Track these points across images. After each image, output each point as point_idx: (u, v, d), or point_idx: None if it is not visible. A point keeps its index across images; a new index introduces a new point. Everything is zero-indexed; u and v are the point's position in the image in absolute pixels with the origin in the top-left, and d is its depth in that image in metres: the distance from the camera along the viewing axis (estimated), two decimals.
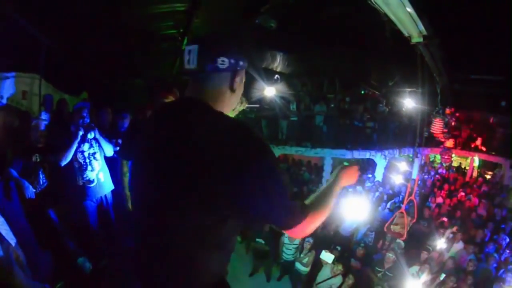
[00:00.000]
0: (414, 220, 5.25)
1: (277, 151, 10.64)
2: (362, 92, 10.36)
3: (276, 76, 9.59)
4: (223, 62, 1.12)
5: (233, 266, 6.86)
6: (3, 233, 2.75)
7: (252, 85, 10.20)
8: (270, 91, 9.63)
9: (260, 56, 8.43)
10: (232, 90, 1.20)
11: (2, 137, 3.82)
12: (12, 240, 2.83)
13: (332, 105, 9.83)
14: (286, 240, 6.83)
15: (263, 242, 7.04)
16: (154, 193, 1.10)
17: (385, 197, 8.86)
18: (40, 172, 4.02)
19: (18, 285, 2.67)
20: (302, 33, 7.55)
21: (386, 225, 5.44)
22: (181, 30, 6.97)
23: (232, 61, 1.14)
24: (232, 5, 6.02)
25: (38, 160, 4.06)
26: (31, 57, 4.69)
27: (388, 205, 8.33)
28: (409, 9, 3.45)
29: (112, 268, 3.59)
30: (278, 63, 9.92)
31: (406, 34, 4.18)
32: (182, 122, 1.09)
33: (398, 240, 6.30)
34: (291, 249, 6.78)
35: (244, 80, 1.27)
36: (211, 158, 1.00)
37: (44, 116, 4.59)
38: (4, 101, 4.89)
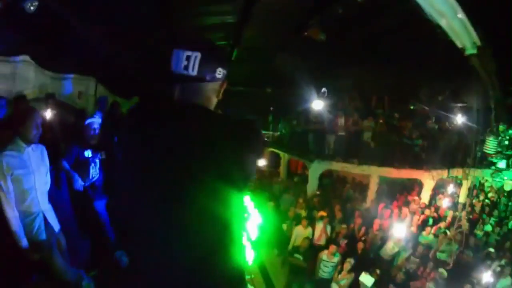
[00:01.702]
0: (462, 249, 4.73)
1: (323, 166, 10.43)
2: (412, 107, 9.76)
3: (324, 89, 9.43)
4: (220, 72, 1.21)
5: None
6: (49, 219, 3.00)
7: (299, 97, 10.17)
8: (317, 104, 9.51)
9: (309, 68, 8.38)
10: (218, 97, 1.28)
11: (58, 131, 4.26)
12: (56, 226, 3.07)
13: (381, 121, 9.37)
14: (324, 257, 6.56)
15: (301, 258, 6.83)
16: (189, 182, 1.15)
17: (430, 220, 8.17)
18: (91, 167, 4.33)
19: (55, 267, 2.91)
20: (351, 46, 7.37)
21: (432, 252, 4.95)
22: (231, 42, 7.20)
23: (225, 72, 1.23)
24: (281, 17, 6.08)
25: (90, 155, 4.37)
26: (89, 62, 5.19)
27: (433, 230, 7.63)
28: (464, 19, 3.21)
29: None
30: (326, 76, 9.76)
31: (460, 46, 3.89)
32: (197, 127, 1.15)
33: (440, 269, 5.75)
34: (328, 267, 6.51)
35: None
36: (236, 153, 1.14)
37: (98, 115, 5.00)
38: (62, 99, 5.48)
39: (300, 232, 7.78)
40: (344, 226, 7.99)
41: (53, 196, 3.32)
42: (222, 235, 1.19)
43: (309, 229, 7.84)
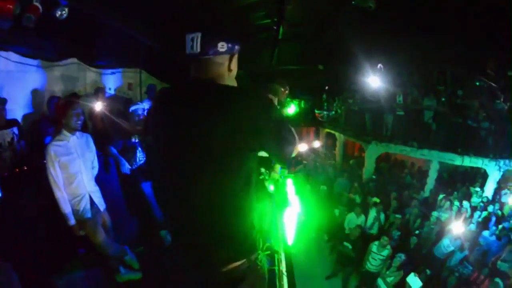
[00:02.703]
0: None
1: (380, 149, 9.78)
2: (477, 83, 8.21)
3: (380, 64, 8.56)
4: (223, 46, 1.31)
5: (312, 264, 6.71)
6: (95, 200, 3.29)
7: (353, 74, 9.42)
8: (373, 81, 8.72)
9: (360, 42, 7.59)
10: (229, 69, 1.39)
11: (107, 120, 4.63)
12: (102, 206, 3.37)
13: (443, 99, 8.18)
14: (374, 248, 6.23)
15: (350, 246, 6.57)
16: (197, 151, 1.28)
17: (493, 218, 7.03)
18: (138, 151, 4.61)
19: (98, 242, 3.21)
20: (405, 12, 6.37)
21: (493, 259, 4.22)
22: (275, 19, 6.88)
23: (230, 45, 1.33)
24: None
25: (137, 140, 4.64)
26: (135, 55, 5.52)
27: (495, 230, 6.56)
28: None
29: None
30: (381, 50, 8.78)
31: None
32: (205, 99, 1.27)
33: (497, 280, 4.92)
34: (377, 260, 6.17)
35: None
36: (237, 117, 1.21)
37: (146, 103, 5.30)
38: (112, 92, 5.98)
39: (352, 219, 7.52)
40: (398, 216, 7.45)
41: (103, 180, 3.65)
42: (238, 201, 1.33)
43: (362, 217, 7.53)
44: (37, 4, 3.16)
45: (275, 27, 7.17)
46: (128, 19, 4.46)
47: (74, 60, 5.14)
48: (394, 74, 9.10)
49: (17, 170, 3.75)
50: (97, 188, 3.36)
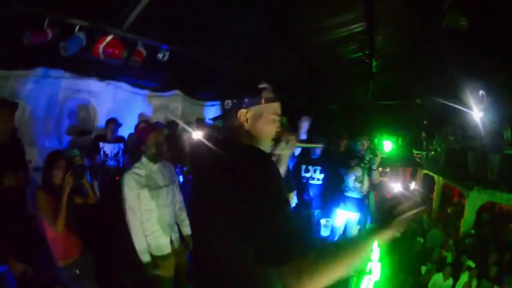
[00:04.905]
0: None
1: (484, 197, 8.26)
2: None
3: (481, 92, 7.30)
4: (228, 104, 1.45)
5: None
6: (173, 236, 3.23)
7: (454, 106, 8.30)
8: (475, 113, 7.48)
9: (458, 68, 6.66)
10: (243, 125, 1.43)
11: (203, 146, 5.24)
12: (177, 242, 3.28)
13: None
14: None
15: None
16: (202, 214, 1.46)
17: None
18: None
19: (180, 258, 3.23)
20: (504, 25, 5.45)
21: None
22: (367, 52, 6.82)
23: (235, 101, 1.43)
24: (410, 12, 5.38)
25: None
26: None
27: None
28: None
29: None
30: (481, 74, 7.41)
31: None
32: (215, 157, 1.40)
33: None
34: None
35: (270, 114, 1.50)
36: (231, 184, 1.24)
37: None
38: (210, 122, 6.74)
39: (438, 282, 6.44)
40: (496, 287, 6.02)
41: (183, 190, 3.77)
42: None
43: (450, 280, 6.40)
44: (141, 49, 3.70)
45: (367, 60, 7.06)
46: (221, 58, 4.96)
47: (177, 92, 5.98)
48: (499, 103, 7.60)
49: (117, 178, 4.24)
50: (175, 223, 3.19)
